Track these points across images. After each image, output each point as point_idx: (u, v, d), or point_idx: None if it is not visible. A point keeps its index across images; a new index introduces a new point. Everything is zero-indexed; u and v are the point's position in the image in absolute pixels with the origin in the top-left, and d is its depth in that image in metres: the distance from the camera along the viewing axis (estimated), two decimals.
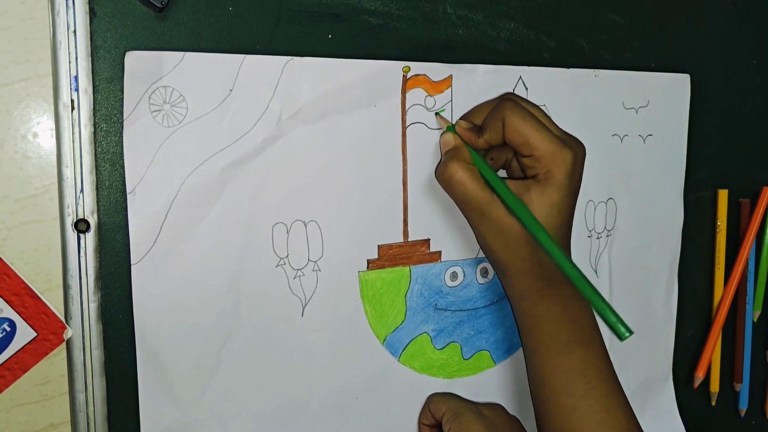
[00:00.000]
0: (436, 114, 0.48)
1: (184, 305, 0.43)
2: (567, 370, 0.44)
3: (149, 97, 0.41)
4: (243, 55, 0.42)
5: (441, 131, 0.48)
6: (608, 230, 0.56)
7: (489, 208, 0.43)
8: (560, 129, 0.45)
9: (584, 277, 0.40)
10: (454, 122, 0.48)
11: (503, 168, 0.48)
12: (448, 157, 0.45)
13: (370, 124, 0.46)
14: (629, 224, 0.56)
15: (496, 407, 0.52)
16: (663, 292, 0.59)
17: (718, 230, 0.61)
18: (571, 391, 0.44)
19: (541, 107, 0.50)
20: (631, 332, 0.39)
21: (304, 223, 0.45)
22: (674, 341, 0.60)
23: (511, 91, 0.50)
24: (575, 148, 0.43)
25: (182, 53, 0.41)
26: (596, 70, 0.53)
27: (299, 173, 0.45)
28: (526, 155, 0.43)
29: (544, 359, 0.45)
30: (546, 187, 0.42)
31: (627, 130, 0.55)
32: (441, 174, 0.45)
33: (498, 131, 0.43)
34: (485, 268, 0.52)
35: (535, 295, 0.44)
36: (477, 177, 0.43)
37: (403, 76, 0.47)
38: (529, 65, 0.51)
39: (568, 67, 0.52)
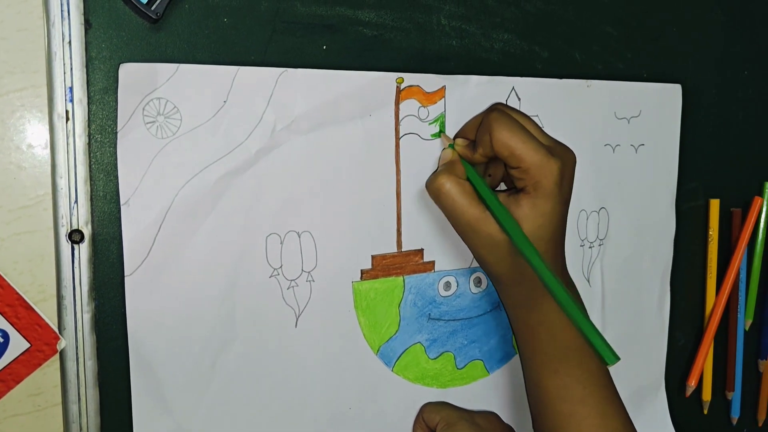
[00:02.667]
0: (440, 133, 0.48)
1: (177, 316, 0.43)
2: (564, 376, 0.44)
3: (143, 109, 0.41)
4: (237, 67, 0.42)
5: (442, 148, 0.48)
6: (600, 239, 0.56)
7: (479, 224, 0.43)
8: (549, 137, 0.45)
9: (572, 299, 0.41)
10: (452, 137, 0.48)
11: (502, 182, 0.49)
12: (440, 170, 0.45)
13: (363, 135, 0.46)
14: (621, 233, 0.57)
15: (490, 415, 0.52)
16: (655, 301, 0.59)
17: (709, 239, 0.62)
18: (568, 397, 0.44)
19: (534, 117, 0.50)
20: (618, 358, 0.40)
21: (297, 233, 0.45)
22: (666, 350, 0.60)
23: (504, 101, 0.50)
24: (563, 157, 0.43)
25: (176, 65, 0.41)
26: (588, 81, 0.54)
27: (293, 184, 0.45)
28: (513, 167, 0.43)
29: (541, 366, 0.45)
30: (536, 199, 0.42)
31: (619, 140, 0.56)
32: (430, 186, 0.45)
33: (488, 144, 0.44)
34: (479, 277, 0.52)
35: (531, 303, 0.44)
36: (467, 192, 0.44)
37: (397, 87, 0.47)
38: (522, 76, 0.51)
39: (561, 77, 0.52)
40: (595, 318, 0.56)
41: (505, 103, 0.50)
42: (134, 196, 0.41)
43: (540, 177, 0.42)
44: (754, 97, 0.63)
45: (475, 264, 0.51)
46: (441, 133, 0.48)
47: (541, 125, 0.51)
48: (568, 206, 0.45)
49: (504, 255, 0.43)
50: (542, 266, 0.41)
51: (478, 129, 0.45)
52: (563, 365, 0.44)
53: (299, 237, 0.45)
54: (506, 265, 0.44)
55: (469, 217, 0.43)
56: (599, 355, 0.40)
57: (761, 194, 0.63)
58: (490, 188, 0.44)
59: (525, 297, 0.44)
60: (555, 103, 0.52)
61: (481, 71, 0.50)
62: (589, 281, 0.56)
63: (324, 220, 0.46)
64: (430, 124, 0.48)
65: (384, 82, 0.47)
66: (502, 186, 0.49)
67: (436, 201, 0.45)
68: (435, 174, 0.45)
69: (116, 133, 0.40)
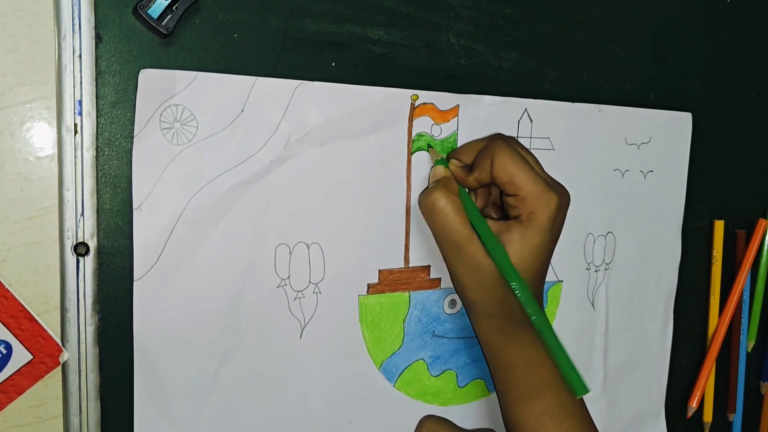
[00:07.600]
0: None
1: (184, 323, 0.43)
2: (540, 414, 0.44)
3: (160, 115, 0.41)
4: (255, 77, 0.43)
5: (431, 165, 0.48)
6: (606, 264, 0.56)
7: (467, 244, 0.42)
8: (547, 174, 0.45)
9: (552, 329, 0.41)
10: (445, 156, 0.48)
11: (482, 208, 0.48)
12: (434, 185, 0.45)
13: (376, 149, 0.46)
14: (628, 258, 0.57)
15: None
16: (659, 327, 0.59)
17: (713, 260, 0.62)
18: None
19: (545, 139, 0.50)
20: (587, 390, 0.41)
21: (306, 245, 0.45)
22: (668, 376, 0.60)
23: (517, 122, 0.51)
24: (560, 194, 0.43)
25: (195, 72, 0.41)
26: (600, 105, 0.54)
27: (304, 196, 0.45)
28: (511, 194, 0.43)
29: (517, 403, 0.44)
30: (528, 230, 0.42)
31: (628, 166, 0.56)
32: (424, 200, 0.44)
33: (487, 169, 0.43)
34: None
35: (504, 338, 0.44)
36: (460, 210, 0.43)
37: (411, 103, 0.47)
38: (529, 95, 0.51)
39: (571, 100, 0.52)
40: (597, 342, 0.56)
41: (517, 124, 0.51)
42: (146, 202, 0.41)
43: (536, 208, 0.42)
44: (761, 119, 0.63)
45: None
46: (429, 147, 0.48)
47: (552, 147, 0.51)
48: (555, 245, 0.44)
49: (484, 281, 0.42)
50: (526, 292, 0.41)
51: (478, 153, 0.45)
52: (539, 402, 0.44)
53: (308, 248, 0.45)
54: (484, 292, 0.43)
55: (458, 236, 0.43)
56: (570, 385, 0.41)
57: (766, 216, 0.63)
58: (480, 212, 0.44)
59: (499, 330, 0.44)
60: (567, 126, 0.52)
61: (489, 90, 0.50)
62: (593, 305, 0.56)
63: (333, 232, 0.46)
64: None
65: (399, 98, 0.47)
66: (492, 215, 0.48)
67: (428, 216, 0.44)
68: (429, 189, 0.45)
69: (129, 144, 0.41)
